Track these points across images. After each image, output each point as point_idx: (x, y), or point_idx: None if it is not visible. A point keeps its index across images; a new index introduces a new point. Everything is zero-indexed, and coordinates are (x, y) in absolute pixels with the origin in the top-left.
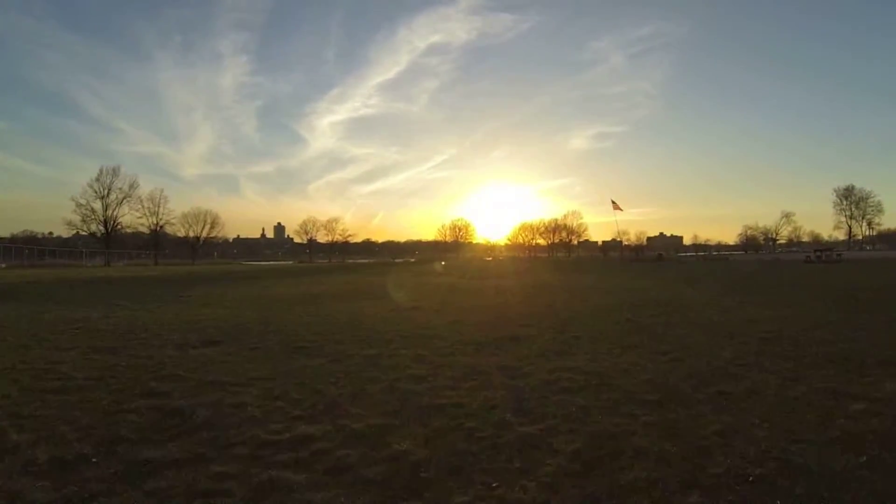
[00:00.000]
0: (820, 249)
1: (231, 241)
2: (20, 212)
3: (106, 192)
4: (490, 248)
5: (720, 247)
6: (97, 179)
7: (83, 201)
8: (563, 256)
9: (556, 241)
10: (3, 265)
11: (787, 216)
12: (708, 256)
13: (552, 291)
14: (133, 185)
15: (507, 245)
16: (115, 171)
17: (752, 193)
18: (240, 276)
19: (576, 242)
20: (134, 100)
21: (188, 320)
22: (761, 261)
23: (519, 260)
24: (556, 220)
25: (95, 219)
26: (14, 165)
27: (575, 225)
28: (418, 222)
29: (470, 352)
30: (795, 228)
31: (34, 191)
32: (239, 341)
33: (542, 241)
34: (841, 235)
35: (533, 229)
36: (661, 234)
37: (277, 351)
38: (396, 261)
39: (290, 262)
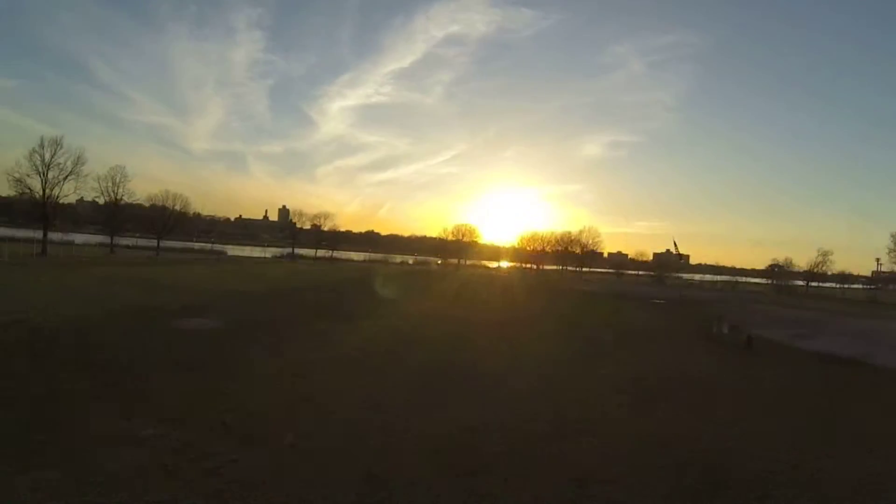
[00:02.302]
0: None
1: (233, 220)
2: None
3: (45, 168)
4: (496, 252)
5: (734, 271)
6: (34, 151)
7: (17, 175)
8: (573, 272)
9: (567, 250)
10: None
11: (824, 255)
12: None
13: (535, 366)
14: (79, 161)
15: (515, 249)
16: (57, 143)
17: (761, 215)
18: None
19: (582, 251)
20: (145, 69)
21: None
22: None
23: (525, 275)
24: (570, 233)
25: (33, 199)
26: (25, 125)
27: (591, 242)
28: (425, 216)
29: None
30: (827, 263)
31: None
32: None
33: (549, 249)
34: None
35: (543, 240)
36: (668, 250)
37: None
38: (395, 259)
39: (268, 256)
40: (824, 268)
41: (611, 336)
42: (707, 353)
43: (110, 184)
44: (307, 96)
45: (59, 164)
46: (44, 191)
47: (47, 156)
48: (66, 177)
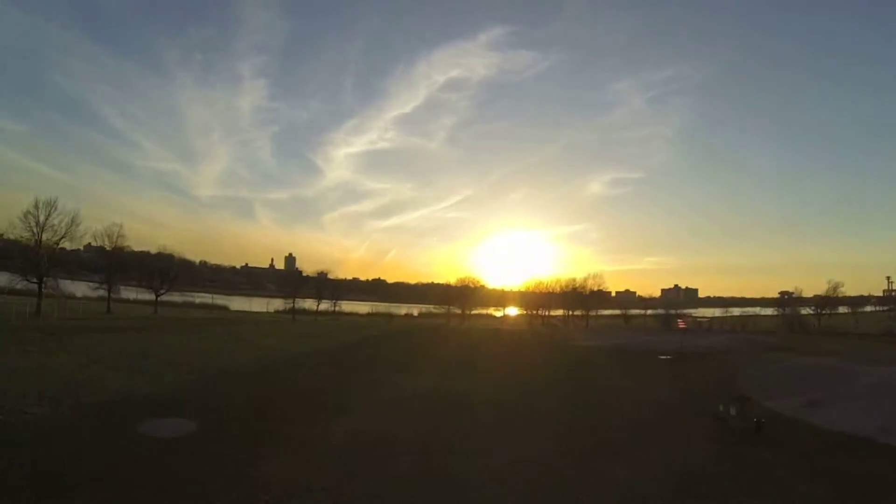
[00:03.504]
0: None
1: (238, 268)
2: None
3: (40, 230)
4: (503, 297)
5: (744, 301)
6: (28, 212)
7: (13, 237)
8: (579, 317)
9: (574, 290)
10: None
11: (834, 287)
12: None
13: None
14: (73, 223)
15: (521, 293)
16: (51, 204)
17: (768, 241)
18: None
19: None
20: (153, 115)
21: None
22: None
23: (530, 326)
24: (575, 280)
25: (28, 262)
26: (34, 169)
27: (595, 288)
28: (432, 262)
29: None
30: (836, 291)
31: (52, 195)
32: None
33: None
34: None
35: (549, 288)
36: (676, 286)
37: None
38: (401, 311)
39: (271, 310)
40: (835, 293)
41: (605, 424)
42: (707, 451)
43: (107, 240)
44: (312, 143)
45: (54, 225)
46: (39, 253)
47: (42, 217)
48: (61, 238)
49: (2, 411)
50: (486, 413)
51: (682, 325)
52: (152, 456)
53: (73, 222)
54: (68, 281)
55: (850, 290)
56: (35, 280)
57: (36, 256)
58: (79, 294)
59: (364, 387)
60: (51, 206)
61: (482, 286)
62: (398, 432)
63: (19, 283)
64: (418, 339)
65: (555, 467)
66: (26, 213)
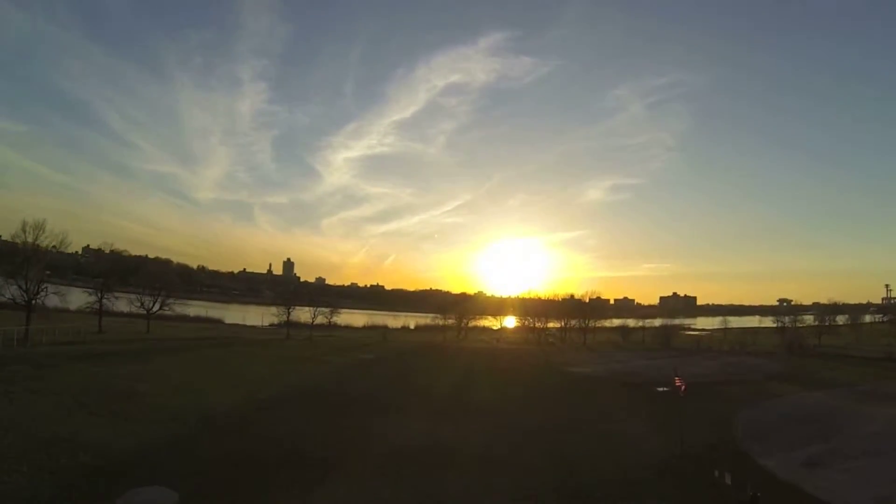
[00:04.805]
0: None
1: (236, 274)
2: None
3: (30, 251)
4: (501, 305)
5: (742, 309)
6: (16, 235)
7: (9, 239)
8: (577, 332)
9: (569, 299)
10: None
11: (834, 305)
12: None
13: None
14: (62, 244)
15: (520, 301)
16: (40, 227)
17: (769, 250)
18: None
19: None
20: (153, 117)
21: None
22: None
23: (526, 344)
24: (573, 295)
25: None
26: (34, 170)
27: (595, 300)
28: (431, 267)
29: None
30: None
31: (52, 196)
32: None
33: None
34: None
35: (546, 304)
36: (675, 294)
37: None
38: (398, 323)
39: (266, 325)
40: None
41: (597, 487)
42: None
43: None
44: (311, 147)
45: (42, 248)
46: (27, 280)
47: (30, 240)
48: (50, 258)
49: None
50: (474, 474)
51: (678, 382)
52: None
53: (62, 243)
54: (63, 288)
55: (848, 297)
56: (23, 302)
57: (24, 282)
58: (73, 307)
59: (350, 437)
60: (39, 228)
61: (480, 293)
62: None
63: (6, 298)
64: (411, 366)
65: None
66: (14, 236)
